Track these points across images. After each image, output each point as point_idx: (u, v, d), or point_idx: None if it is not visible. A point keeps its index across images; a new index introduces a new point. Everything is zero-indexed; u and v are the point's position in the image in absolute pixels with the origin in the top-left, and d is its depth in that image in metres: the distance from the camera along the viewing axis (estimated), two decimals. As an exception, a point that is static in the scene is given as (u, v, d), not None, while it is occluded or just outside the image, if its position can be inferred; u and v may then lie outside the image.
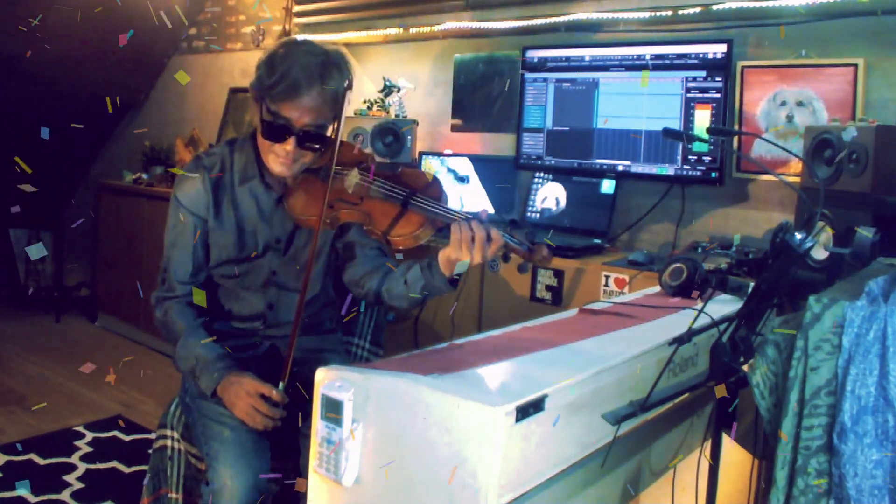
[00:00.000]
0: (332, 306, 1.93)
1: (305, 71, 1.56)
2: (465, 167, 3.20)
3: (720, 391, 1.18)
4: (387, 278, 1.66)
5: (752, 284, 1.66)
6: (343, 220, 1.63)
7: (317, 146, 1.63)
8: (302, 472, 1.63)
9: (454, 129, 3.45)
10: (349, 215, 1.62)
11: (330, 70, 1.58)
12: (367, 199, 1.62)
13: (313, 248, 1.61)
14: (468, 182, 3.18)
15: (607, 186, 2.85)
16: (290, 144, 1.59)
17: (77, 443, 2.90)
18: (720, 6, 2.46)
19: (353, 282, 1.73)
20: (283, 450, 1.67)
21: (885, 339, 1.01)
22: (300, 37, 1.70)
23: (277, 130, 1.59)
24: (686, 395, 1.32)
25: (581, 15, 2.79)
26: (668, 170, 2.70)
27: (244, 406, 1.56)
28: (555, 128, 2.98)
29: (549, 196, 2.98)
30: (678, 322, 1.48)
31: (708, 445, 1.25)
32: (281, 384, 1.56)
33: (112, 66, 4.46)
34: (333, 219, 1.63)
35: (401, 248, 1.57)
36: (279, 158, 1.63)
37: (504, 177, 3.11)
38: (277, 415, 1.56)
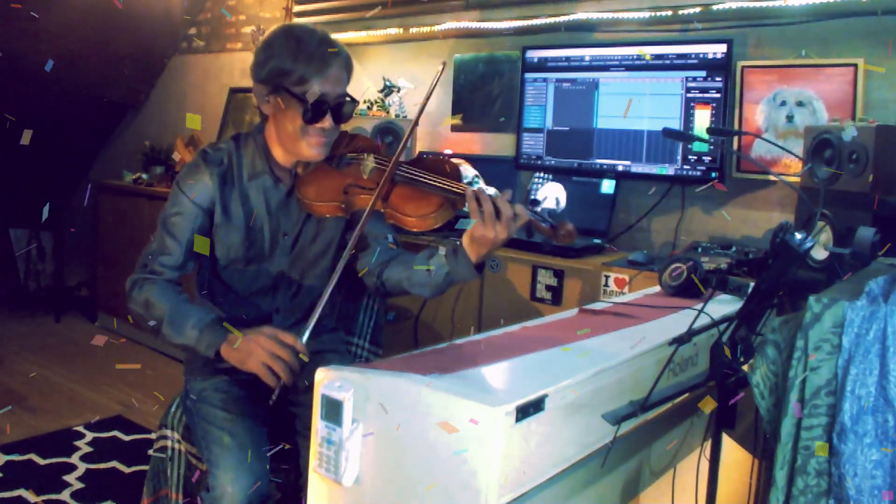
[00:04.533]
0: (334, 305, 1.93)
1: (322, 45, 1.58)
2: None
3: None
4: (406, 266, 1.61)
5: (752, 284, 1.66)
6: (358, 206, 1.58)
7: (347, 114, 1.63)
8: (302, 474, 1.62)
9: (454, 129, 3.45)
10: (364, 200, 1.57)
11: (333, 40, 1.62)
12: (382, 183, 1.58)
13: (361, 227, 1.53)
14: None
15: (607, 186, 2.85)
16: (327, 122, 1.59)
17: (77, 443, 2.90)
18: (720, 6, 2.47)
19: (368, 272, 1.69)
20: (283, 451, 1.67)
21: (885, 339, 1.01)
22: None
23: (317, 109, 1.57)
24: (686, 395, 1.33)
25: (581, 15, 2.79)
26: (668, 170, 2.70)
27: (261, 353, 1.45)
28: (555, 128, 2.98)
29: (549, 196, 2.98)
30: (678, 322, 1.48)
31: (708, 445, 1.25)
32: (306, 333, 1.48)
33: (112, 66, 4.47)
34: (348, 204, 1.60)
35: (416, 229, 1.54)
36: (315, 139, 1.60)
37: (504, 177, 3.11)
38: (297, 366, 1.46)
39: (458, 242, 1.50)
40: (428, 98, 1.59)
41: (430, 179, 1.53)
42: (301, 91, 1.57)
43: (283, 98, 1.59)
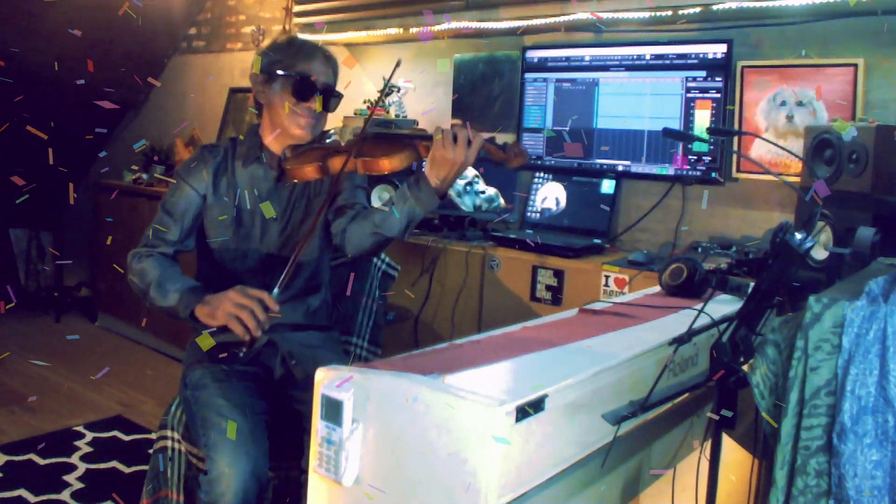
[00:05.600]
0: (327, 303, 1.95)
1: (310, 44, 1.82)
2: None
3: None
4: (373, 214, 1.71)
5: (752, 284, 1.66)
6: (335, 165, 1.68)
7: (334, 104, 1.80)
8: (303, 470, 1.63)
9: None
10: (341, 160, 1.67)
11: (324, 46, 1.85)
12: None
13: (338, 176, 1.64)
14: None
15: (607, 186, 2.85)
16: (315, 103, 1.75)
17: (77, 443, 2.90)
18: (720, 6, 2.46)
19: (339, 232, 1.79)
20: (285, 448, 1.67)
21: (885, 339, 1.01)
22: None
23: (305, 86, 1.74)
24: (686, 395, 1.33)
25: (581, 15, 2.79)
26: (668, 170, 2.70)
27: (228, 305, 1.54)
28: (555, 128, 2.98)
29: (549, 196, 2.98)
30: (678, 322, 1.48)
31: (708, 445, 1.25)
32: (276, 290, 1.56)
33: (112, 66, 4.46)
34: (326, 163, 1.69)
35: (386, 170, 1.64)
36: (302, 119, 1.76)
37: (504, 177, 3.11)
38: (264, 318, 1.54)
39: (419, 174, 1.60)
40: (383, 91, 1.79)
41: (398, 132, 1.66)
42: (293, 72, 1.75)
43: (275, 81, 1.77)
